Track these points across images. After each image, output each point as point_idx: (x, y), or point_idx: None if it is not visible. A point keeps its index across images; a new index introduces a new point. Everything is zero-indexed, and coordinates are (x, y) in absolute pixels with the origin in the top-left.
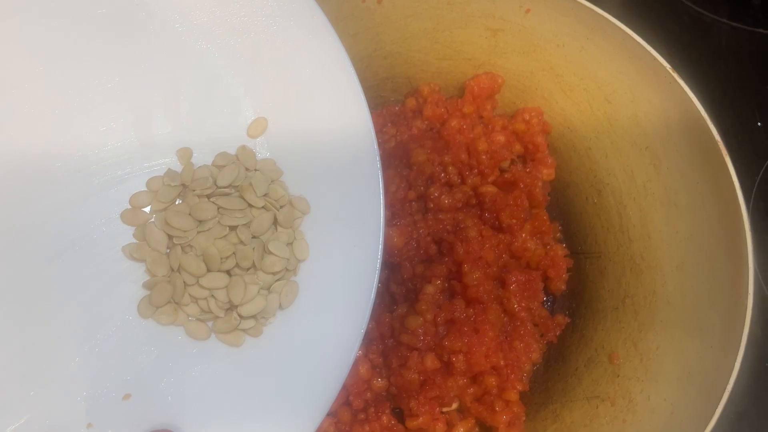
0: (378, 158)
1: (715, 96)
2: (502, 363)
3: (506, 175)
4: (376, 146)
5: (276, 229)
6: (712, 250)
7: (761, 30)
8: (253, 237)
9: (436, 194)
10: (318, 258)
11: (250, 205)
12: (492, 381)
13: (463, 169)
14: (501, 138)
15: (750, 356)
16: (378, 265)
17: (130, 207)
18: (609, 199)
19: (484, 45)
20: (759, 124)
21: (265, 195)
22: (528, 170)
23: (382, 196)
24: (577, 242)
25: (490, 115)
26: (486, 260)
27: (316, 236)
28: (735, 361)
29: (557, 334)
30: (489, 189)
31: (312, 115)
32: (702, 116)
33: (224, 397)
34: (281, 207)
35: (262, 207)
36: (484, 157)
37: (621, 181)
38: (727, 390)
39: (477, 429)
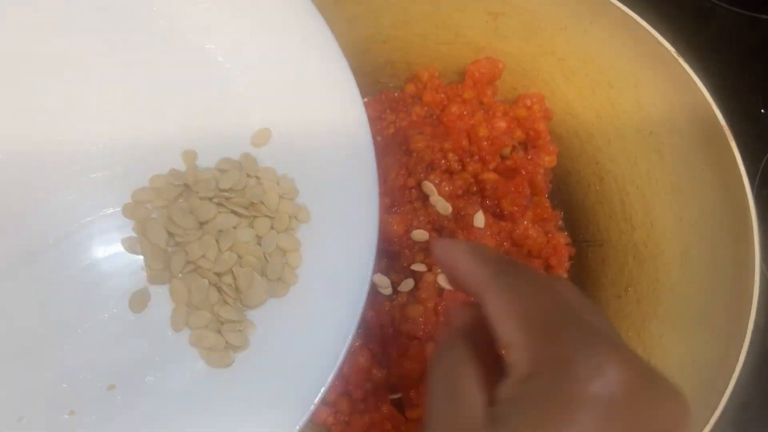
0: (374, 170)
1: (717, 82)
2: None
3: (507, 162)
4: (372, 155)
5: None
6: (716, 237)
7: (764, 16)
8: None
9: (436, 181)
10: (313, 257)
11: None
12: None
13: (463, 156)
14: (502, 124)
15: (754, 346)
16: (372, 258)
17: (131, 201)
18: (611, 186)
19: (484, 29)
20: (762, 111)
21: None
22: (529, 157)
23: (376, 204)
24: (579, 230)
25: (490, 100)
26: None
27: (312, 237)
28: (741, 349)
29: None
30: (490, 176)
31: (312, 127)
32: (707, 101)
33: (211, 392)
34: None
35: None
36: (485, 143)
37: (624, 167)
38: (732, 378)
39: None
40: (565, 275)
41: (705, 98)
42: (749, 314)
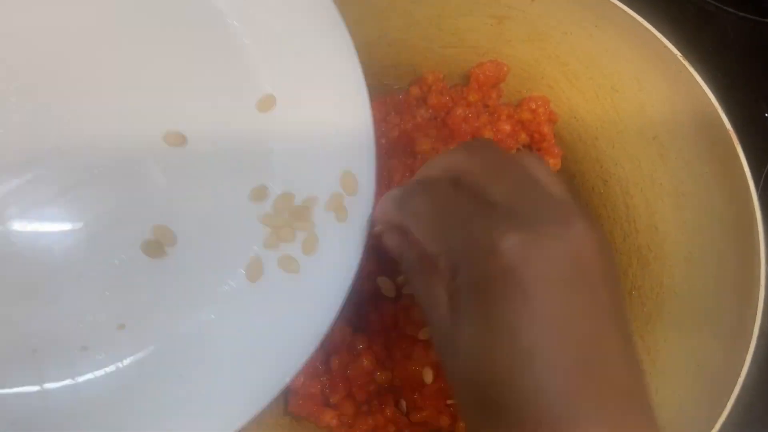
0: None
1: (720, 87)
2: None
3: None
4: (372, 136)
5: None
6: (720, 240)
7: None
8: None
9: None
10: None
11: None
12: None
13: None
14: (507, 127)
15: (759, 350)
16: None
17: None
18: (615, 189)
19: (489, 33)
20: (766, 115)
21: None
22: None
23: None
24: None
25: (495, 103)
26: None
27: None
28: (746, 352)
29: None
30: None
31: (314, 106)
32: (712, 104)
33: (216, 342)
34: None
35: None
36: None
37: (627, 171)
38: (738, 382)
39: None
40: None
41: (710, 101)
42: (755, 318)
